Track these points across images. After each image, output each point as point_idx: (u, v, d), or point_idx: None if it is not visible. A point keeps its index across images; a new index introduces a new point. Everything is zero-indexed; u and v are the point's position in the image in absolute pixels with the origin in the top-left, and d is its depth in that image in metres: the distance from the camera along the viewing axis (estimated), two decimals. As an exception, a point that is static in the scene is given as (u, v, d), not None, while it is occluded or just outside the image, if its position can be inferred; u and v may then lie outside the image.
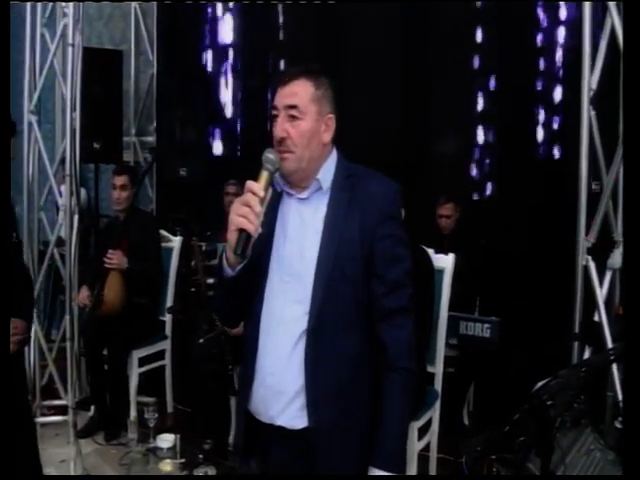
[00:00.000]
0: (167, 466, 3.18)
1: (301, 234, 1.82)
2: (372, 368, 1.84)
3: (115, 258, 4.06)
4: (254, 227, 1.67)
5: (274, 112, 1.80)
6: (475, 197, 5.03)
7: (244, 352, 1.89)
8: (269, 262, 1.83)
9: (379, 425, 1.79)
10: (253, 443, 1.90)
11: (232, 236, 1.68)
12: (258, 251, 1.79)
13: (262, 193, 1.69)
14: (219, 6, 6.13)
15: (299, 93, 1.78)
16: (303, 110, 1.77)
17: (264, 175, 1.73)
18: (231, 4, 6.05)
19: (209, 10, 6.18)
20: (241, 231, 1.67)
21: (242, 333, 1.96)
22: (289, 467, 1.85)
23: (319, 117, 1.80)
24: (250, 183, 1.70)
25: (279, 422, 1.80)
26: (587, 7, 3.40)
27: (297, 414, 1.79)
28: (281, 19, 5.81)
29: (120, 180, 4.27)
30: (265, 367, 1.81)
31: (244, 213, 1.66)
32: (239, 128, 6.13)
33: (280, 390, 1.79)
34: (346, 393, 1.81)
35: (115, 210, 4.37)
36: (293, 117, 1.77)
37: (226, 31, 6.13)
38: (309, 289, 1.78)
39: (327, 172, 1.85)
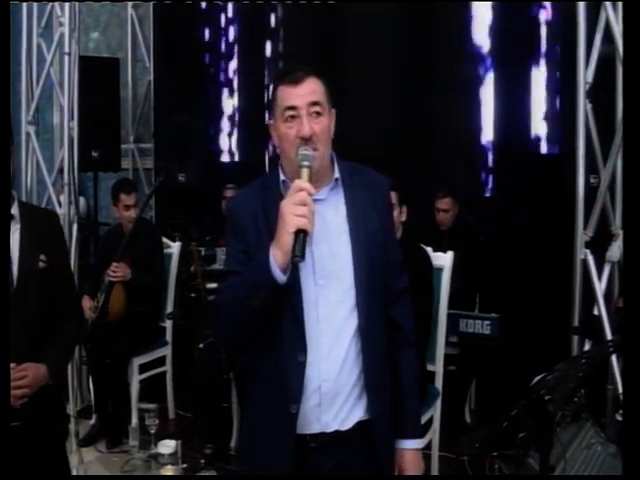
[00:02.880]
0: (168, 472, 3.16)
1: (328, 235, 1.80)
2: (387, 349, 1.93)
3: (120, 271, 4.05)
4: (312, 226, 1.63)
5: (291, 112, 1.75)
6: (473, 193, 5.00)
7: (282, 369, 1.77)
8: (297, 269, 1.75)
9: (404, 399, 1.92)
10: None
11: (288, 239, 1.60)
12: None
13: (314, 190, 1.67)
14: (216, 9, 6.14)
15: (316, 90, 1.78)
16: (323, 106, 1.78)
17: (306, 172, 1.69)
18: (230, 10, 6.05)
19: (205, 16, 6.18)
20: (299, 232, 1.60)
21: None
22: (338, 471, 1.82)
23: (330, 113, 1.82)
24: (300, 182, 1.65)
25: (334, 426, 1.78)
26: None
27: (350, 411, 1.80)
28: (280, 21, 5.81)
29: (131, 199, 4.24)
30: (319, 374, 1.76)
31: (304, 213, 1.61)
32: (237, 133, 6.13)
33: (337, 392, 1.78)
34: (386, 377, 1.89)
35: (127, 226, 4.29)
36: (317, 114, 1.76)
37: (223, 36, 6.13)
38: (348, 287, 1.78)
39: (337, 170, 1.86)
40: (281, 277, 1.65)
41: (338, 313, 1.78)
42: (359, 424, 1.81)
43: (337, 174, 1.85)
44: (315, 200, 1.77)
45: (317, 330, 1.76)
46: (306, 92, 1.76)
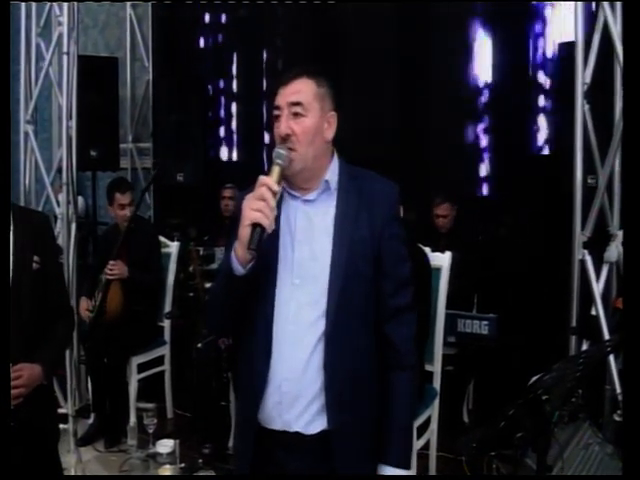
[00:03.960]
0: (167, 471, 3.17)
1: (310, 236, 1.80)
2: (378, 366, 1.85)
3: (116, 269, 4.04)
4: (269, 222, 1.64)
5: (276, 112, 1.79)
6: (471, 194, 5.01)
7: (250, 360, 1.83)
8: (277, 266, 1.79)
9: (389, 423, 1.82)
10: (262, 452, 1.84)
11: (245, 231, 1.64)
12: (264, 255, 1.74)
13: (276, 187, 1.67)
14: (215, 10, 6.13)
15: (302, 90, 1.78)
16: (307, 107, 1.76)
17: (276, 170, 1.71)
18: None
19: (205, 14, 6.18)
20: (255, 226, 1.63)
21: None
22: (302, 473, 1.82)
23: (322, 114, 1.79)
24: (263, 178, 1.67)
25: (295, 428, 1.77)
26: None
27: (314, 418, 1.77)
28: (279, 21, 5.80)
29: (126, 198, 4.23)
30: (281, 373, 1.77)
31: (260, 207, 1.63)
32: (235, 133, 6.12)
33: (298, 394, 1.76)
34: (362, 392, 1.81)
35: (122, 225, 4.28)
36: (297, 114, 1.76)
37: (221, 36, 6.13)
38: (322, 291, 1.76)
39: (333, 174, 1.84)
40: (238, 269, 1.69)
41: (306, 315, 1.77)
42: (324, 433, 1.77)
43: (328, 176, 1.83)
44: (305, 201, 1.82)
45: (284, 329, 1.77)
46: (290, 92, 1.78)
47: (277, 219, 1.79)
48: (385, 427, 1.82)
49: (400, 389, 1.83)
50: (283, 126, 1.76)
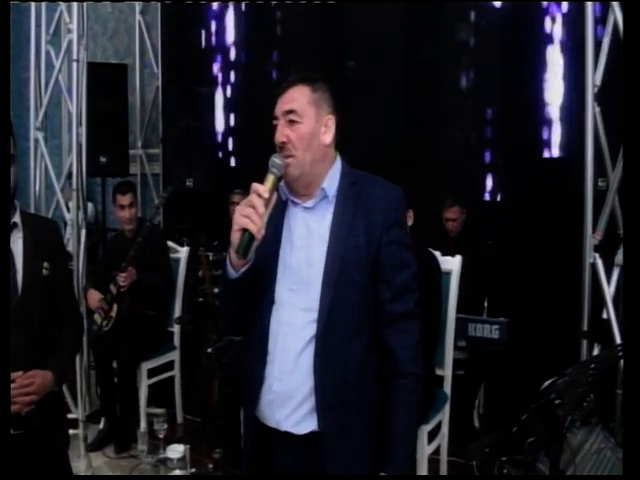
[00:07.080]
0: (177, 477, 3.17)
1: (308, 242, 1.84)
2: (378, 372, 1.86)
3: (128, 277, 4.03)
4: (257, 228, 1.67)
5: (275, 122, 1.84)
6: (481, 198, 4.99)
7: (251, 359, 1.90)
8: (276, 271, 1.85)
9: (388, 432, 1.81)
10: (261, 448, 1.90)
11: (235, 236, 1.69)
12: (265, 260, 1.82)
13: (267, 195, 1.71)
14: (222, 14, 6.14)
15: (296, 98, 1.82)
16: (301, 113, 1.81)
17: (270, 178, 1.75)
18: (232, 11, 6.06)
19: (212, 21, 6.19)
20: (244, 231, 1.68)
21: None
22: (295, 472, 1.85)
23: (318, 119, 1.83)
24: (255, 185, 1.71)
25: (285, 427, 1.81)
26: (589, 4, 3.41)
27: (304, 419, 1.80)
28: (285, 25, 5.81)
29: (126, 199, 4.24)
30: (273, 374, 1.82)
31: (248, 213, 1.67)
32: (245, 138, 6.12)
33: (288, 395, 1.80)
34: (353, 397, 1.82)
35: (125, 228, 4.32)
36: (292, 122, 1.80)
37: (229, 41, 6.14)
38: (316, 297, 1.79)
39: (332, 181, 1.86)
40: (232, 273, 1.77)
41: (299, 320, 1.81)
42: (314, 434, 1.79)
43: (325, 184, 1.85)
44: (305, 208, 1.86)
45: (278, 331, 1.82)
46: (285, 101, 1.83)
47: (280, 226, 1.87)
48: (383, 435, 1.82)
49: (398, 397, 1.82)
50: (279, 134, 1.81)
